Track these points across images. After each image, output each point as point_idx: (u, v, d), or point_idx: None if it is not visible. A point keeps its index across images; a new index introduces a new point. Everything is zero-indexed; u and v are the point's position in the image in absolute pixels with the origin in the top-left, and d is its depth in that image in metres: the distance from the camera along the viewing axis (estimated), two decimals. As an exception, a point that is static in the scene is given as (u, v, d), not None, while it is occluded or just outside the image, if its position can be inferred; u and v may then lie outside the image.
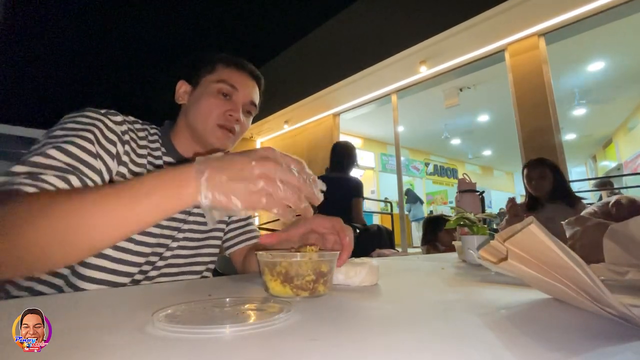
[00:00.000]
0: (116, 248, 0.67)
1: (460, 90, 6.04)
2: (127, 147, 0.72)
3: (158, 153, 0.80)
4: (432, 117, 7.67)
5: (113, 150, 0.68)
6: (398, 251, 3.18)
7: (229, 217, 0.94)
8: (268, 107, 6.50)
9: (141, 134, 0.79)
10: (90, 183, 0.61)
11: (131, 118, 0.79)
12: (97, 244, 0.45)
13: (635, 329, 0.28)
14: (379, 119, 7.25)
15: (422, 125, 8.15)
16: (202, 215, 0.83)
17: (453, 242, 1.06)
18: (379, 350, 0.26)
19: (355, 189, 2.65)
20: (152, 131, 0.83)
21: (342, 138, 7.17)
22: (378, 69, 5.08)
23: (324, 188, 0.48)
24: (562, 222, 0.87)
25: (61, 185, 0.55)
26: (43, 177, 0.53)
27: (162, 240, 0.74)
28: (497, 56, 4.45)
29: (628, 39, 4.62)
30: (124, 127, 0.73)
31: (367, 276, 0.55)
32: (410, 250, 6.20)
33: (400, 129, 6.15)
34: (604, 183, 4.93)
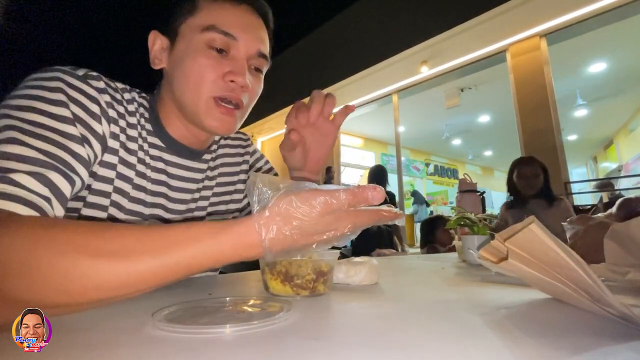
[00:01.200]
0: None
1: (461, 90, 6.03)
2: (113, 127, 0.55)
3: (144, 133, 0.62)
4: (433, 117, 7.66)
5: (98, 129, 0.52)
6: (398, 251, 3.18)
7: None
8: (269, 106, 6.50)
9: (130, 106, 0.60)
10: (77, 181, 0.47)
11: (118, 84, 0.60)
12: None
13: (636, 329, 0.28)
14: (380, 118, 7.24)
15: (423, 126, 8.14)
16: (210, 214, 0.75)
17: (453, 242, 1.06)
18: (379, 350, 0.26)
19: (392, 202, 3.63)
20: (139, 100, 0.63)
21: (343, 138, 7.18)
22: (379, 68, 5.08)
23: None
24: (563, 223, 0.87)
25: (38, 187, 0.41)
26: (11, 176, 0.39)
27: None
28: (498, 57, 4.45)
29: (630, 40, 4.61)
30: (107, 97, 0.54)
31: (367, 275, 0.55)
32: (411, 250, 6.19)
33: (401, 129, 6.15)
34: (605, 184, 4.92)
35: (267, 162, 0.87)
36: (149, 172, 0.63)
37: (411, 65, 4.91)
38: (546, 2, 3.59)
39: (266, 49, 0.64)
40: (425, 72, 4.94)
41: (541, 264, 0.34)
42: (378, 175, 3.56)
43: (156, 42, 0.62)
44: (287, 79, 6.07)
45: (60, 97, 0.48)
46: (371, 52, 4.97)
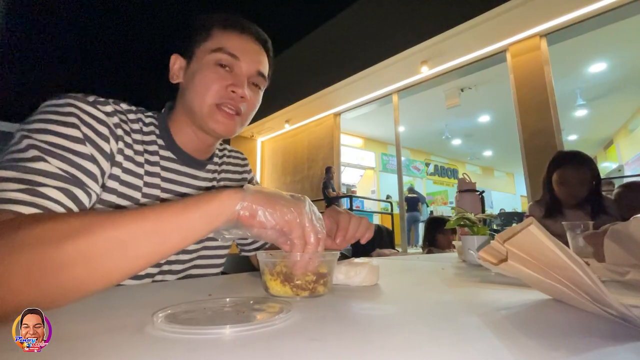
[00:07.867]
0: None
1: (462, 90, 6.04)
2: (120, 144, 0.62)
3: (153, 147, 0.70)
4: (433, 117, 7.66)
5: (107, 148, 0.59)
6: (398, 251, 3.18)
7: None
8: (269, 106, 6.50)
9: (135, 125, 0.68)
10: (93, 195, 0.55)
11: (123, 106, 0.67)
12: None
13: (636, 330, 0.28)
14: (380, 118, 7.25)
15: (423, 126, 8.15)
16: None
17: (453, 242, 1.06)
18: (379, 350, 0.26)
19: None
20: (146, 120, 0.71)
21: (343, 138, 7.17)
22: (379, 68, 5.08)
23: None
24: (563, 222, 0.87)
25: (65, 200, 0.47)
26: (43, 190, 0.44)
27: None
28: (498, 57, 4.46)
29: (630, 40, 4.62)
30: (116, 119, 0.62)
31: (368, 276, 0.55)
32: (410, 250, 6.21)
33: (401, 129, 6.15)
34: (605, 184, 4.93)
35: (257, 183, 0.99)
36: (159, 182, 0.69)
37: (411, 65, 4.91)
38: (546, 2, 3.59)
39: (264, 69, 0.75)
40: (426, 72, 4.95)
41: (541, 265, 0.34)
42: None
43: (176, 63, 0.74)
44: (287, 79, 6.08)
45: (72, 120, 0.54)
46: (371, 52, 4.96)
